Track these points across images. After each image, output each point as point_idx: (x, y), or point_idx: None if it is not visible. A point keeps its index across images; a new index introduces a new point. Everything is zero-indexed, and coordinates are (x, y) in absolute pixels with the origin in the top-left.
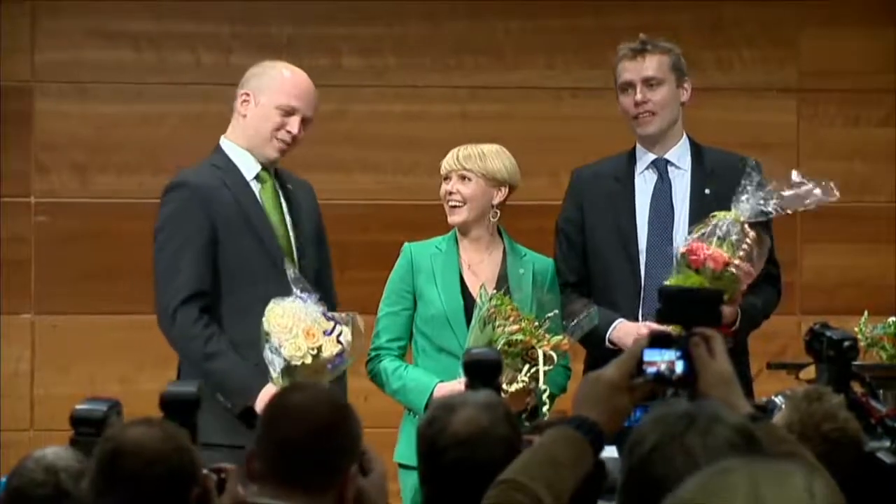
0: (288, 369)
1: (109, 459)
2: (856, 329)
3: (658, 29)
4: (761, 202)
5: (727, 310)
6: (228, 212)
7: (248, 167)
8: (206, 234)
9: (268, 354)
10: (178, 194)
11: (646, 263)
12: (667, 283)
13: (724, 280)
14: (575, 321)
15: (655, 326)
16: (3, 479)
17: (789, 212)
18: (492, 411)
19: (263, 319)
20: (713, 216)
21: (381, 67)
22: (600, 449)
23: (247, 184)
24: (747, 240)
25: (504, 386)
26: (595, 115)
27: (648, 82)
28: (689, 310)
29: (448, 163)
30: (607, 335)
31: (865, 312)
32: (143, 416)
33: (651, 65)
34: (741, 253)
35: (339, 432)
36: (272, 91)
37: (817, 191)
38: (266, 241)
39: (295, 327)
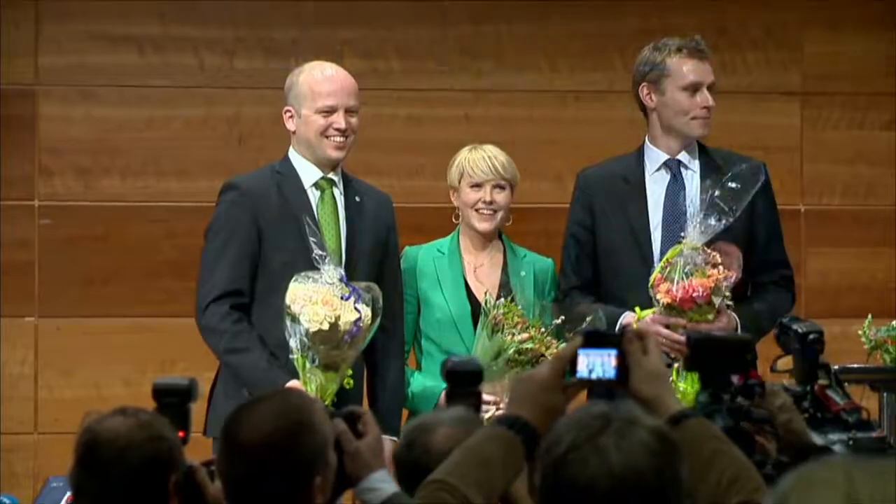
0: (307, 343)
1: (86, 450)
2: (860, 332)
3: (663, 32)
4: (707, 220)
5: (723, 320)
6: (276, 215)
7: (309, 175)
8: (248, 235)
9: (288, 329)
10: (226, 196)
11: None
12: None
13: (710, 305)
14: (580, 327)
15: (663, 319)
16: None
17: (729, 220)
18: (468, 426)
19: (286, 295)
20: (669, 257)
21: (385, 71)
22: (532, 448)
23: (303, 191)
24: (711, 257)
25: None
26: (599, 118)
27: (711, 87)
28: (717, 357)
29: (483, 171)
30: (616, 329)
31: (869, 316)
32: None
33: (711, 69)
34: (710, 270)
35: (294, 446)
36: (306, 99)
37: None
38: (312, 249)
39: (314, 295)
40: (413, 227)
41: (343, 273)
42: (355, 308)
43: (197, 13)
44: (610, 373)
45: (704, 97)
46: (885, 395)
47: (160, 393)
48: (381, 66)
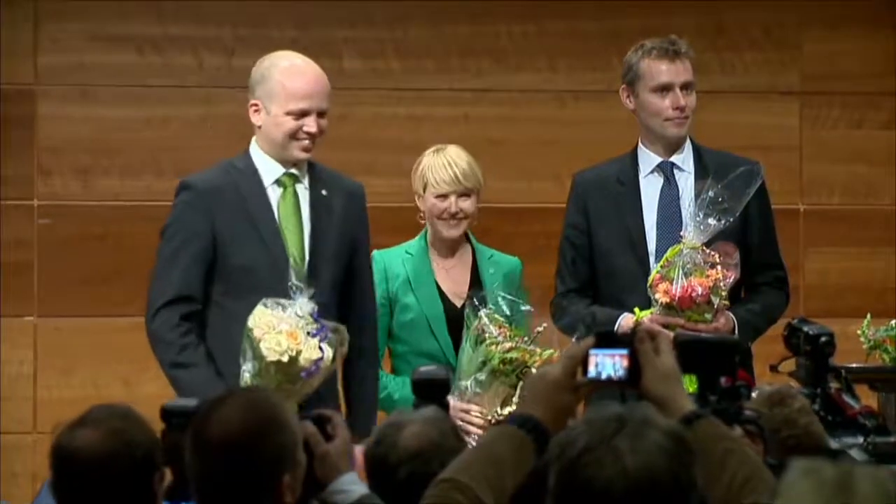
0: (262, 370)
1: (62, 465)
2: (858, 332)
3: (662, 32)
4: (707, 219)
5: (721, 320)
6: (234, 216)
7: (269, 172)
8: (203, 237)
9: (245, 352)
10: (182, 196)
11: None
12: (639, 315)
13: (709, 304)
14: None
15: (661, 319)
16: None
17: (729, 220)
18: (439, 425)
19: (249, 317)
20: (668, 256)
21: (384, 70)
22: (543, 447)
23: (263, 189)
24: (710, 257)
25: (498, 410)
26: (597, 118)
27: (686, 86)
28: (705, 359)
29: (446, 182)
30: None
31: (868, 315)
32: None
33: (687, 69)
34: (709, 270)
35: (262, 443)
36: (279, 98)
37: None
38: (272, 249)
39: (280, 324)
40: (411, 226)
41: (316, 308)
42: (320, 347)
43: (196, 13)
44: (622, 373)
45: (675, 97)
46: (884, 395)
47: (170, 414)
48: (380, 66)
